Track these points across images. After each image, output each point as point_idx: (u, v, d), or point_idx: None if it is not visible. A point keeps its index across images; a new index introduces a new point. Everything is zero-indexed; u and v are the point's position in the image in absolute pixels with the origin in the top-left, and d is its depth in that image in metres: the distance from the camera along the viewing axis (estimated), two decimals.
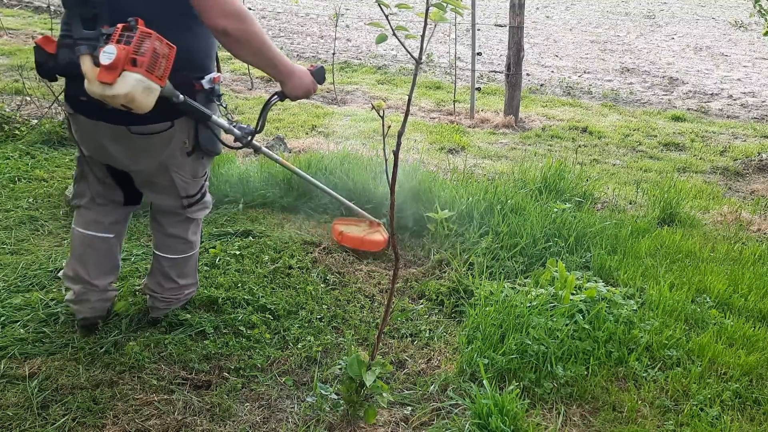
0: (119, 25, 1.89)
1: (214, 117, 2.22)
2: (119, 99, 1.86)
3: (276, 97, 2.37)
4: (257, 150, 2.56)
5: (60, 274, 2.51)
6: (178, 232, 2.43)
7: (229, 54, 2.18)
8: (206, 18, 2.02)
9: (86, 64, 1.89)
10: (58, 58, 2.02)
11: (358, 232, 3.27)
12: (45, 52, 2.02)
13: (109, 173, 2.34)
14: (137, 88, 1.86)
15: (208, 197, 2.49)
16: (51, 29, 9.19)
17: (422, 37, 1.65)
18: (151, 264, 2.55)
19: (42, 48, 2.02)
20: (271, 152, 2.70)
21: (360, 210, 3.33)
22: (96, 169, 2.33)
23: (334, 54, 7.57)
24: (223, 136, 2.35)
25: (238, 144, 2.38)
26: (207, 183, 2.45)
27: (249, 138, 2.36)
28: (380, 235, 3.27)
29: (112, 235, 2.42)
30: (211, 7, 1.99)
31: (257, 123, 2.42)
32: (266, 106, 2.40)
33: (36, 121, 4.93)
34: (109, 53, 1.84)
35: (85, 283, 2.39)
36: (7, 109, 5.07)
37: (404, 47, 1.72)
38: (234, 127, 2.33)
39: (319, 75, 2.37)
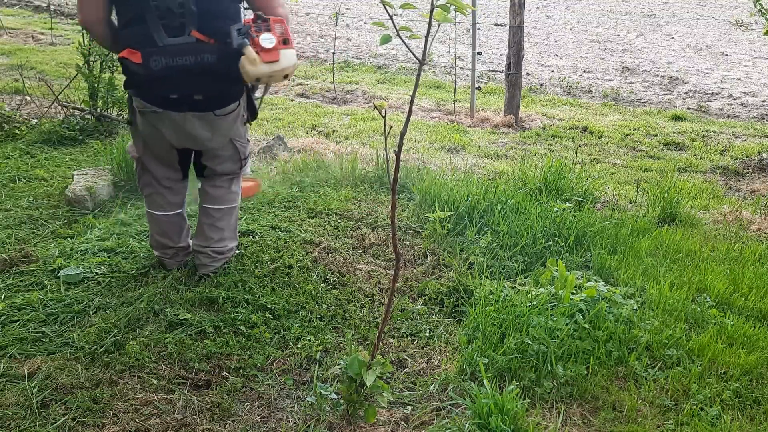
0: (247, 19, 2.38)
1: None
2: (286, 71, 2.39)
3: None
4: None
5: (150, 245, 2.96)
6: (226, 185, 2.85)
7: None
8: (268, 8, 2.48)
9: (251, 52, 2.33)
10: (151, 66, 2.36)
11: None
12: (135, 64, 2.37)
13: (177, 158, 2.72)
14: (295, 60, 2.42)
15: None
16: (51, 28, 9.20)
17: (426, 37, 1.65)
18: (197, 225, 2.88)
19: (131, 60, 2.37)
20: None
21: None
22: (166, 157, 2.70)
23: (334, 53, 7.57)
24: None
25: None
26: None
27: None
28: (249, 182, 3.54)
29: (182, 209, 2.88)
30: None
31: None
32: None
33: (36, 120, 4.93)
34: (268, 39, 2.33)
35: (173, 248, 2.88)
36: (7, 109, 5.07)
37: (408, 48, 1.72)
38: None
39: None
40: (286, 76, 2.40)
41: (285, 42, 2.36)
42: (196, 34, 2.37)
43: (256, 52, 2.32)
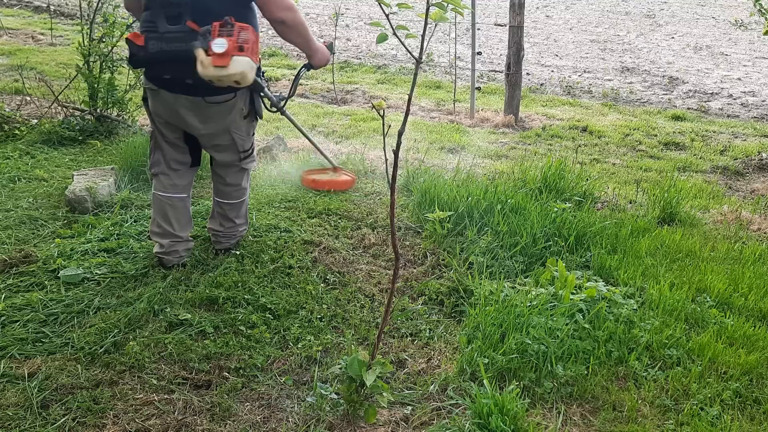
0: (215, 24, 2.43)
1: (265, 89, 2.84)
2: (234, 77, 2.42)
3: (304, 68, 3.06)
4: (283, 113, 3.12)
5: (149, 232, 3.01)
6: (235, 181, 3.00)
7: None
8: (268, 11, 2.64)
9: (201, 54, 2.41)
10: (149, 49, 2.53)
11: (328, 177, 3.96)
12: (136, 45, 2.54)
13: (181, 137, 2.86)
14: (247, 68, 2.43)
15: (255, 152, 3.07)
16: (51, 29, 9.20)
17: (422, 36, 1.66)
18: (211, 209, 3.08)
19: (134, 42, 2.54)
20: (290, 115, 3.30)
21: (330, 158, 4.01)
22: (170, 135, 2.86)
23: (333, 54, 7.57)
24: None
25: (274, 108, 3.03)
26: (255, 140, 3.03)
27: (283, 103, 3.04)
28: (347, 176, 3.99)
29: (185, 195, 2.97)
30: (273, 2, 2.62)
31: (290, 90, 3.15)
32: (297, 76, 3.13)
33: (36, 120, 4.93)
34: (220, 44, 2.38)
35: (172, 236, 2.90)
36: (7, 109, 5.07)
37: (405, 47, 1.72)
38: (273, 95, 2.97)
39: (331, 48, 3.07)
40: (237, 82, 2.47)
41: (241, 49, 2.42)
42: (191, 24, 2.50)
43: (209, 56, 2.41)
